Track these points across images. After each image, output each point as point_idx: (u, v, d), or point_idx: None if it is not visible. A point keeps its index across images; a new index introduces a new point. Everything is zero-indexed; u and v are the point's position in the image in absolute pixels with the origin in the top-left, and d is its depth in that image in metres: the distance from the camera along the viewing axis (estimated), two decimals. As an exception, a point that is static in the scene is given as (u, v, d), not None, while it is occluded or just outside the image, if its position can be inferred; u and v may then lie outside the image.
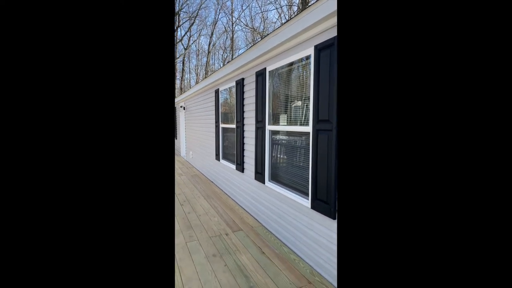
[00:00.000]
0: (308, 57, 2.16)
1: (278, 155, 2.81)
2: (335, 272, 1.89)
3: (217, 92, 4.61)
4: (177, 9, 23.35)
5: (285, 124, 2.57)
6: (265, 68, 2.82)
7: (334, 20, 1.78)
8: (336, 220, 1.88)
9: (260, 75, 2.92)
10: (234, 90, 3.83)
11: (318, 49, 1.97)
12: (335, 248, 1.89)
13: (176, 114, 9.64)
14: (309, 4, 10.86)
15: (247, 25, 19.99)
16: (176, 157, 9.02)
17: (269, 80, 2.80)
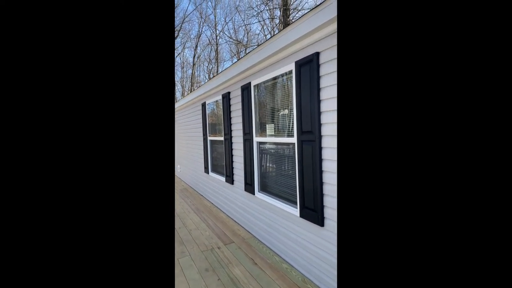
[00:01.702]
0: (290, 72, 2.27)
1: (267, 166, 2.88)
2: (326, 278, 1.95)
3: (203, 105, 4.66)
4: (160, 23, 23.34)
5: (272, 135, 2.66)
6: (250, 82, 2.92)
7: (311, 39, 1.91)
8: (324, 227, 1.95)
9: (246, 89, 3.01)
10: (220, 103, 3.90)
11: (299, 65, 2.09)
12: (324, 254, 1.95)
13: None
14: (289, 20, 11.24)
15: (231, 37, 20.37)
16: (164, 171, 8.87)
17: (254, 93, 2.90)
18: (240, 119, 3.23)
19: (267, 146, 2.82)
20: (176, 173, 7.78)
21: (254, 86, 2.87)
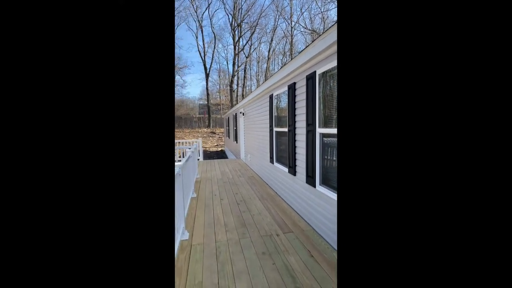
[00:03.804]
0: (357, 57, 2.09)
1: (329, 159, 2.76)
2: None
3: (271, 97, 4.78)
4: (239, 21, 24.89)
5: (335, 127, 2.52)
6: (315, 71, 2.82)
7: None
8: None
9: (310, 78, 2.93)
10: (286, 94, 3.92)
11: (366, 48, 1.90)
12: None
13: (236, 120, 10.28)
14: None
15: (306, 28, 19.80)
16: (236, 160, 9.60)
17: (318, 82, 2.79)
18: (304, 110, 3.18)
19: (330, 138, 2.69)
20: (246, 162, 8.30)
21: (319, 74, 2.76)
